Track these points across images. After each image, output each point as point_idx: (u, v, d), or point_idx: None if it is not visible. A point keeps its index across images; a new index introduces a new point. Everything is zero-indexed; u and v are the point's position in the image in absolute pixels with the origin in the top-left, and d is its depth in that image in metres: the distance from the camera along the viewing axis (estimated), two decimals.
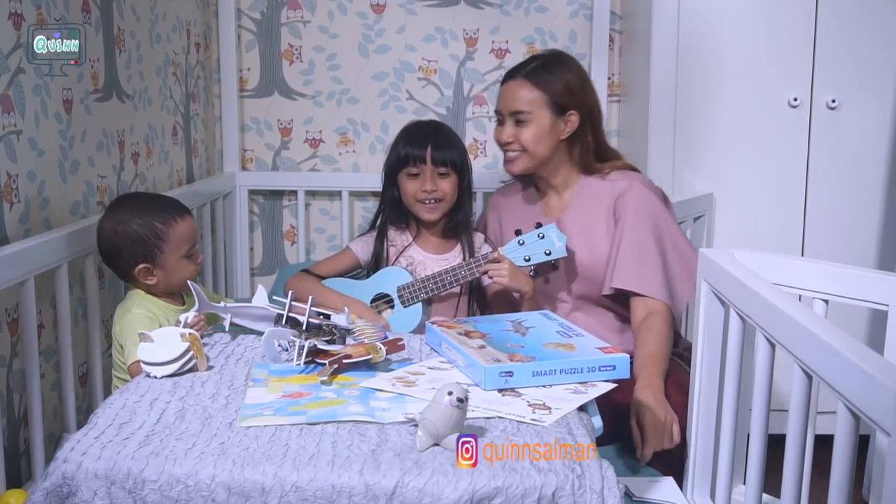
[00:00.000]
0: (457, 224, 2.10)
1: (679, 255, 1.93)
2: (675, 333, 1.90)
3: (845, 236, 2.38)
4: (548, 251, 1.88)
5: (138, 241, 1.68)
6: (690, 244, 1.97)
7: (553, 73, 1.96)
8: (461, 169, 2.06)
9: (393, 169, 2.08)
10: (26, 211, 1.64)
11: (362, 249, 2.13)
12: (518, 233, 1.92)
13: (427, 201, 2.04)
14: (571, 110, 1.95)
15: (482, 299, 2.12)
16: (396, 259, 2.09)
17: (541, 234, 1.89)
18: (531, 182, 2.11)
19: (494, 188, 2.83)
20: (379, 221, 2.15)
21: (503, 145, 2.01)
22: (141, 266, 1.69)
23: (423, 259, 2.09)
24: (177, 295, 1.78)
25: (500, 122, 2.02)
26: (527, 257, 1.89)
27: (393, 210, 2.11)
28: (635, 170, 2.05)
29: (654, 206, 1.93)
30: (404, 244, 2.11)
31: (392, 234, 2.13)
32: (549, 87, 1.95)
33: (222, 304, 1.58)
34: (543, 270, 2.03)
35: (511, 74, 2.01)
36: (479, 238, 2.14)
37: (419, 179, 2.03)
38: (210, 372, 1.39)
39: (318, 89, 2.84)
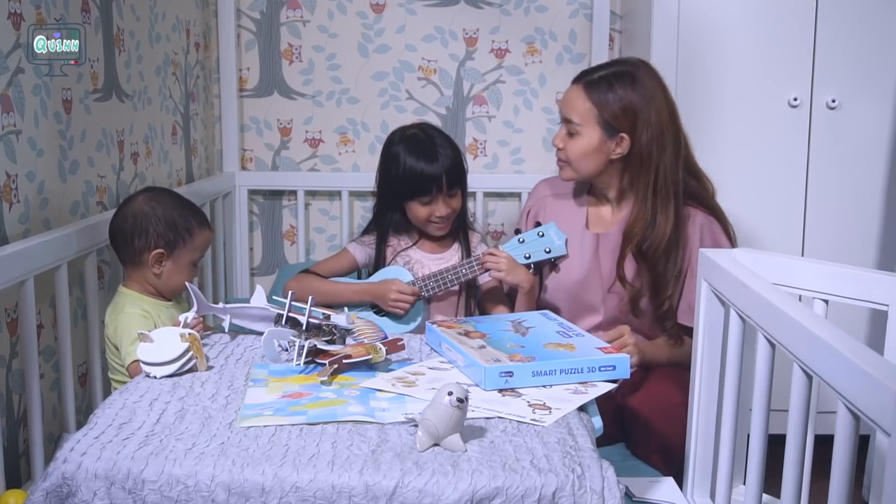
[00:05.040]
0: (457, 225, 2.10)
1: None
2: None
3: (845, 236, 2.38)
4: (548, 249, 1.88)
5: (171, 226, 1.71)
6: None
7: (614, 91, 1.85)
8: (464, 182, 2.05)
9: (399, 191, 2.03)
10: (26, 211, 1.64)
11: (360, 252, 2.11)
12: (518, 231, 1.93)
13: (439, 222, 2.03)
14: (623, 133, 1.86)
15: (480, 299, 2.12)
16: (393, 259, 2.09)
17: (540, 233, 1.89)
18: (587, 185, 2.03)
19: (494, 188, 2.86)
20: (377, 231, 2.11)
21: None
22: (157, 251, 1.70)
23: (421, 258, 2.09)
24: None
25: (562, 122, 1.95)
26: (527, 255, 1.89)
27: (394, 226, 2.10)
28: (712, 210, 1.92)
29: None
30: (402, 246, 2.11)
31: (390, 237, 2.12)
32: (604, 104, 1.85)
33: (221, 304, 1.59)
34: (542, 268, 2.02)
35: (576, 78, 1.93)
36: (476, 237, 2.14)
37: (431, 206, 2.01)
38: (210, 372, 1.39)
39: (318, 89, 2.84)
